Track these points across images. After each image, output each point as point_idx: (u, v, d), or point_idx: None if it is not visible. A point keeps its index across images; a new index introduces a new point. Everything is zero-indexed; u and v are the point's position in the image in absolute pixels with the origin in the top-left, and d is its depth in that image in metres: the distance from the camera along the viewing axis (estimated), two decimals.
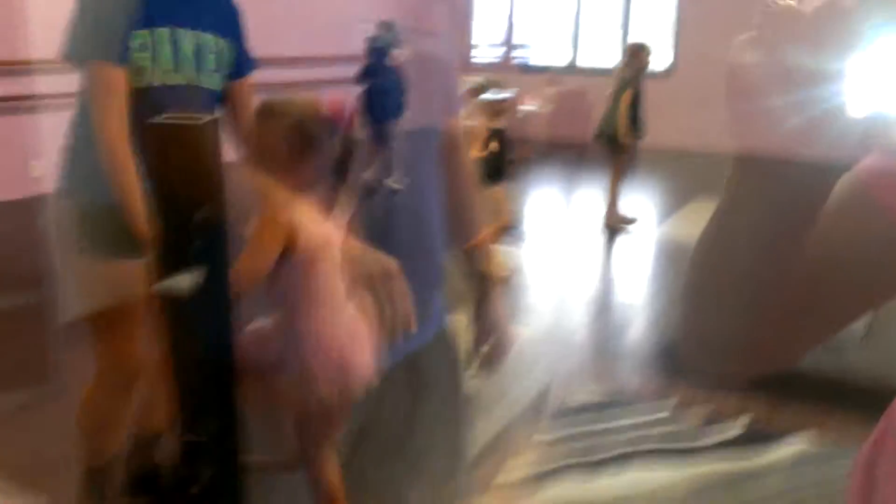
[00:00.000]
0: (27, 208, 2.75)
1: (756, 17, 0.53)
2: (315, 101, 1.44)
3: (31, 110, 2.77)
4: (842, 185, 0.65)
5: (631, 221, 5.66)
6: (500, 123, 4.38)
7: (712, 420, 2.76)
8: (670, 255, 5.16)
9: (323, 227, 1.47)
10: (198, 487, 1.17)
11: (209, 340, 1.21)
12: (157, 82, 1.80)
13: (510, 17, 9.73)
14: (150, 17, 1.78)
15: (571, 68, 9.31)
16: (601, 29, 9.39)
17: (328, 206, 1.48)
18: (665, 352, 3.41)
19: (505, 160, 4.40)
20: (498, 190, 4.30)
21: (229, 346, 1.25)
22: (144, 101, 1.78)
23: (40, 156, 2.86)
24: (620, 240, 5.49)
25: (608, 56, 9.04)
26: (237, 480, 1.24)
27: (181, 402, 1.21)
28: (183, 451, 1.23)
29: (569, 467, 2.48)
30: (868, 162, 0.66)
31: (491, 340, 1.68)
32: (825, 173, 0.60)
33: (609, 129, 5.46)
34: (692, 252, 0.68)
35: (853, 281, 0.69)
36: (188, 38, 1.82)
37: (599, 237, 5.51)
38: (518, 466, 2.48)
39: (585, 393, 3.00)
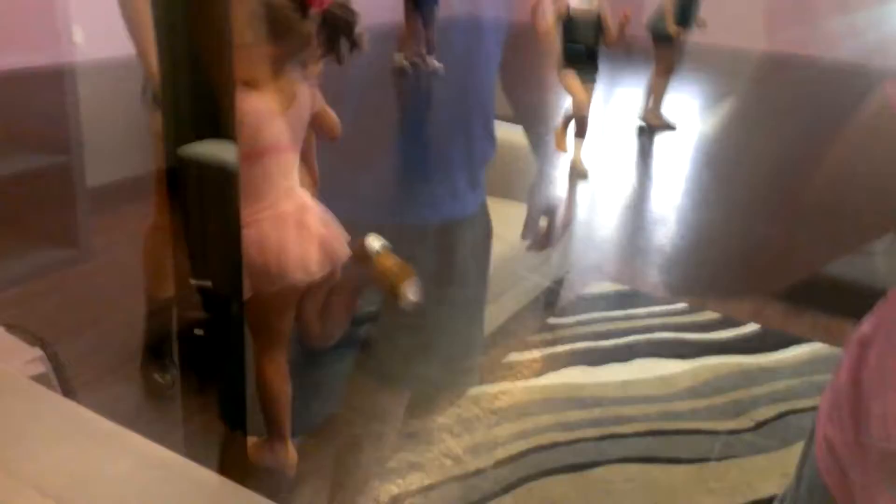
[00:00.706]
0: (65, 74, 2.79)
1: None
2: None
3: None
4: (870, 102, 0.64)
5: (671, 127, 5.53)
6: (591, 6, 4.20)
7: (727, 322, 2.79)
8: (707, 155, 5.06)
9: (273, 124, 1.46)
10: (202, 328, 1.25)
11: (218, 201, 1.25)
12: None
13: None
14: None
15: None
16: None
17: (299, 91, 1.47)
18: (688, 254, 3.41)
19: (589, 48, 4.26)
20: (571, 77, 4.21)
21: (236, 207, 1.29)
22: None
23: (82, 21, 2.90)
24: (659, 139, 5.39)
25: None
26: (239, 322, 1.31)
27: (193, 252, 1.26)
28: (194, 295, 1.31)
29: (578, 352, 2.55)
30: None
31: (546, 220, 1.73)
32: (862, 78, 0.59)
33: (659, 21, 5.28)
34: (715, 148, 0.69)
35: (871, 197, 0.69)
36: None
37: (638, 135, 5.41)
38: (528, 349, 2.55)
39: (602, 286, 3.04)
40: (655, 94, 5.49)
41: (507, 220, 2.19)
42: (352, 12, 1.43)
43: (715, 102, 6.24)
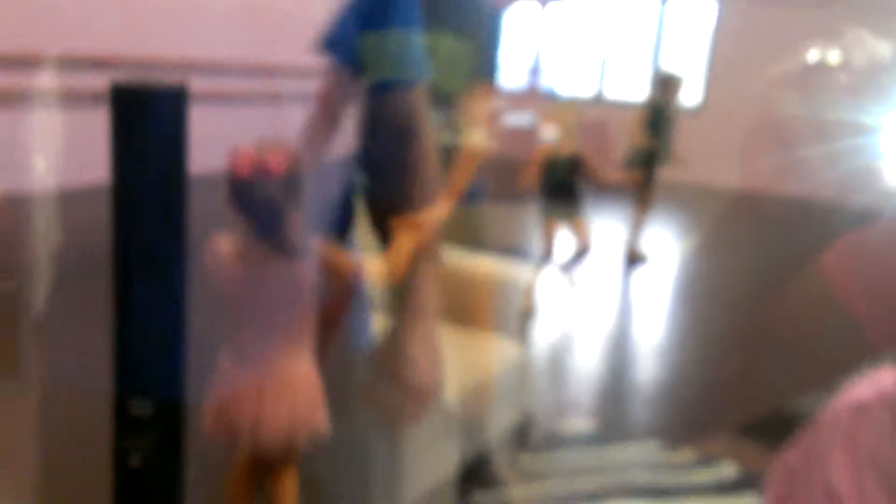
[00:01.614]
0: (22, 200, 2.79)
1: (795, 70, 0.53)
2: (239, 154, 1.47)
3: (41, 106, 2.85)
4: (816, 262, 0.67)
5: (643, 259, 5.60)
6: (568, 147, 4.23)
7: (702, 462, 2.68)
8: (683, 290, 5.08)
9: (228, 272, 1.53)
10: (138, 460, 1.18)
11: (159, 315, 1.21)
12: (384, 78, 1.84)
13: (538, 44, 9.78)
14: (382, 18, 1.84)
15: (598, 99, 9.31)
16: (631, 61, 9.38)
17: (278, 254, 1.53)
18: (665, 391, 3.33)
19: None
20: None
21: (180, 326, 1.24)
22: (369, 99, 1.87)
23: (44, 151, 2.95)
24: (637, 272, 5.43)
25: (635, 89, 9.04)
26: (179, 456, 1.23)
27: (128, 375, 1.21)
28: (126, 424, 1.24)
29: (550, 492, 2.42)
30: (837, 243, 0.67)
31: (394, 387, 1.65)
32: (830, 220, 0.61)
33: (634, 158, 5.44)
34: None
35: (835, 337, 0.72)
36: (420, 39, 1.85)
37: (618, 268, 5.45)
38: (497, 494, 2.42)
39: (576, 423, 2.93)
40: (634, 226, 5.58)
41: (475, 354, 2.13)
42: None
43: (689, 237, 6.35)
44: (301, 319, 1.57)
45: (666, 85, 5.47)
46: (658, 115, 5.39)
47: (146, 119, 1.13)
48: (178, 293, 1.25)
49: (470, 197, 1.89)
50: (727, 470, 2.63)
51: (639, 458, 2.69)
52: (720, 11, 8.55)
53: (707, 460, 2.68)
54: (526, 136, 4.91)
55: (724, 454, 2.71)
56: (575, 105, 4.53)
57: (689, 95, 8.47)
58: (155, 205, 1.17)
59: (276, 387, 1.55)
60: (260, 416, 1.54)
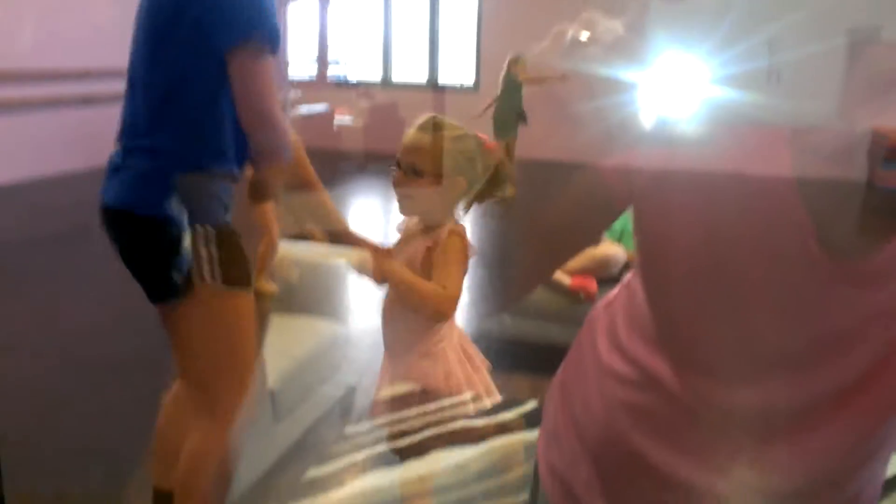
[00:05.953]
0: None
1: (557, 47, 0.65)
2: None
3: None
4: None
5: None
6: None
7: (510, 402, 2.97)
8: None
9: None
10: None
11: None
12: None
13: (323, 32, 9.84)
14: None
15: (386, 83, 9.57)
16: (411, 45, 9.73)
17: None
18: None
19: None
20: None
21: None
22: None
23: None
24: None
25: (419, 71, 9.41)
26: None
27: None
28: None
29: (377, 456, 2.59)
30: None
31: None
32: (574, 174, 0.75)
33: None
34: None
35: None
36: None
37: None
38: (327, 462, 2.55)
39: (394, 388, 3.12)
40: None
41: (292, 336, 2.24)
42: None
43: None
44: None
45: (513, 63, 6.59)
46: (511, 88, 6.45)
47: None
48: None
49: None
50: (531, 406, 2.93)
51: (454, 409, 2.93)
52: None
53: (514, 401, 2.97)
54: (321, 123, 5.00)
55: (528, 394, 3.02)
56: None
57: (464, 74, 8.97)
58: None
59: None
60: None
